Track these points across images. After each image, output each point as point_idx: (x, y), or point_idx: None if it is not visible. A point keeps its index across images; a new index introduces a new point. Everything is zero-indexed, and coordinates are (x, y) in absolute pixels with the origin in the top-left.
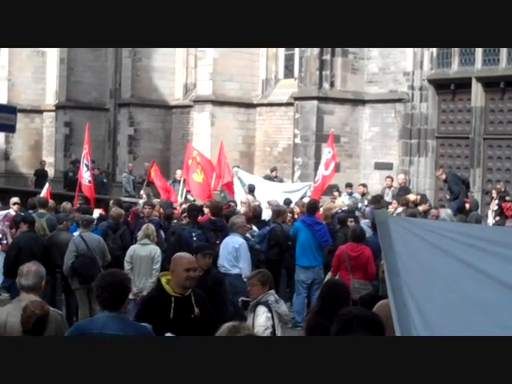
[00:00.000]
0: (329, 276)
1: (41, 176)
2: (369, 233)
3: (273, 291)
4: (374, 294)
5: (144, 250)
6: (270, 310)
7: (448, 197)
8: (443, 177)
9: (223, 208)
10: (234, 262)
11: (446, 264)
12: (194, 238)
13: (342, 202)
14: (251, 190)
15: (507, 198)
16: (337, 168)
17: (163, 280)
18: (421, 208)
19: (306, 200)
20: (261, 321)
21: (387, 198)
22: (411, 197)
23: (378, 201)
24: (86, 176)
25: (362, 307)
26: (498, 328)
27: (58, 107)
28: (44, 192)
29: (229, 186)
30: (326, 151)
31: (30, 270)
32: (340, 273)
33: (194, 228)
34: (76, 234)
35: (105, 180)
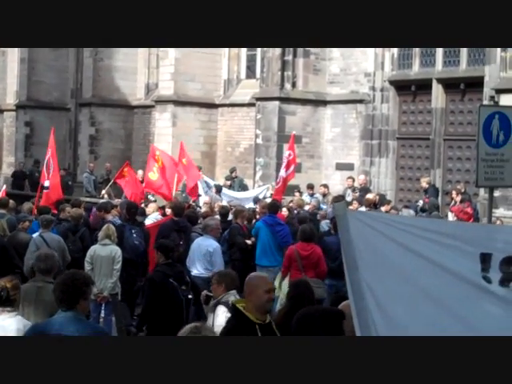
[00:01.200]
0: (279, 276)
1: (19, 178)
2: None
3: (234, 291)
4: (344, 296)
5: (104, 251)
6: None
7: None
8: (425, 186)
9: (185, 208)
10: (207, 265)
11: (403, 257)
12: (134, 235)
13: (303, 201)
14: (218, 190)
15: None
16: (298, 169)
17: (240, 307)
18: (383, 209)
19: (269, 200)
20: (220, 321)
21: (348, 199)
22: (370, 196)
23: (339, 201)
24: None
25: (319, 305)
26: (453, 320)
27: (19, 107)
28: (1, 192)
29: (194, 189)
30: (287, 154)
31: (48, 254)
32: (291, 272)
33: (133, 225)
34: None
35: (69, 182)
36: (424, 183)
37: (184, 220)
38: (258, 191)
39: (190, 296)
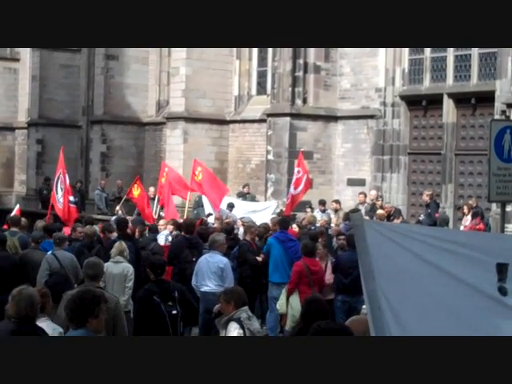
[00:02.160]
0: (284, 292)
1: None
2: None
3: (246, 308)
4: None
5: (117, 268)
6: (243, 327)
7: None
8: (427, 200)
9: (197, 224)
10: (219, 281)
11: (418, 267)
12: None
13: (315, 217)
14: (231, 206)
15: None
16: (310, 185)
17: None
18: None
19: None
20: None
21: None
22: (380, 211)
23: (356, 211)
24: (59, 199)
25: (331, 321)
26: (468, 332)
27: (30, 124)
28: (15, 211)
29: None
30: (296, 171)
31: (95, 262)
32: (300, 288)
33: (124, 240)
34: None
35: (76, 199)
36: (426, 197)
37: (196, 237)
38: (265, 205)
39: (174, 312)
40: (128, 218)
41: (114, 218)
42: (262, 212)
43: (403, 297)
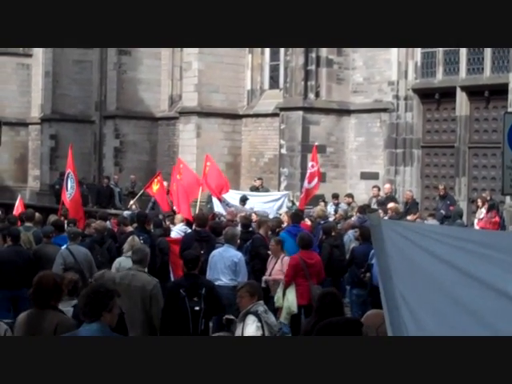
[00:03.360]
0: (282, 286)
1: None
2: (354, 243)
3: (262, 302)
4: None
5: (129, 263)
6: (260, 320)
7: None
8: (444, 192)
9: (209, 218)
10: (232, 275)
11: (437, 268)
12: (141, 242)
13: (324, 211)
14: (243, 200)
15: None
16: (323, 178)
17: None
18: (409, 218)
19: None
20: (251, 330)
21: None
22: (393, 205)
23: (364, 210)
24: (68, 195)
25: (341, 317)
26: (487, 333)
27: (44, 120)
28: (17, 204)
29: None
30: (310, 165)
31: (140, 248)
32: (297, 281)
33: (140, 232)
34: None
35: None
36: (443, 190)
37: (206, 230)
38: (276, 195)
39: (196, 308)
40: None
41: (126, 212)
42: (275, 204)
43: (421, 296)
